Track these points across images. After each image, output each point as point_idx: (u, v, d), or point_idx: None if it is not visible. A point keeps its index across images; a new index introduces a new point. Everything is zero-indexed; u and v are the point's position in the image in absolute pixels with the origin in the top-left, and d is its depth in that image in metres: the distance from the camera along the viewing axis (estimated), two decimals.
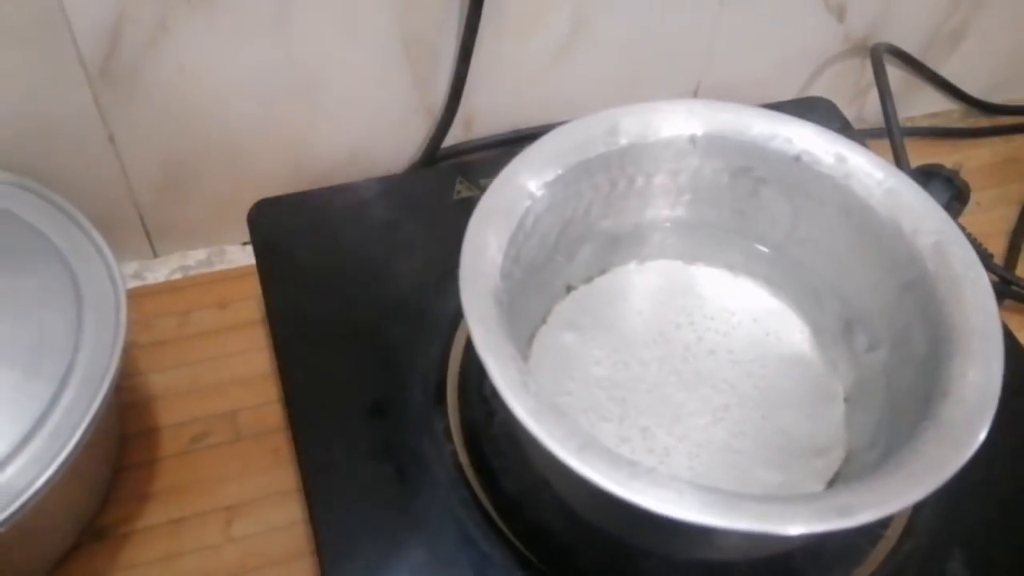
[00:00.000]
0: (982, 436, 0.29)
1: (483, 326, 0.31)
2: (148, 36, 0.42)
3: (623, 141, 0.39)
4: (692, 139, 0.39)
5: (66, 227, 0.41)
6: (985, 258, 0.54)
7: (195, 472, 0.44)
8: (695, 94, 0.56)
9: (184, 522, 0.43)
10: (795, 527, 0.28)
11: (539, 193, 0.36)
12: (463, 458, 0.38)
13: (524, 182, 0.35)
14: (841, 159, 0.38)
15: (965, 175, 0.57)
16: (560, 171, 0.37)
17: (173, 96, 0.45)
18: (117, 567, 0.41)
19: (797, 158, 0.38)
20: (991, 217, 0.59)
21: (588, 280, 0.43)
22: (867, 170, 0.37)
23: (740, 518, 0.28)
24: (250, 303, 0.50)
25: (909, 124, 0.65)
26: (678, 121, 0.39)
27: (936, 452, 0.29)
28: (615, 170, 0.39)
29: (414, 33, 0.46)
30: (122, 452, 0.44)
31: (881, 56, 0.54)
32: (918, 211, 0.36)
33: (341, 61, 0.46)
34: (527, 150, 0.36)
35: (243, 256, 0.52)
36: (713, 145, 0.39)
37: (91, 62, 0.42)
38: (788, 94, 0.58)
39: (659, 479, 0.29)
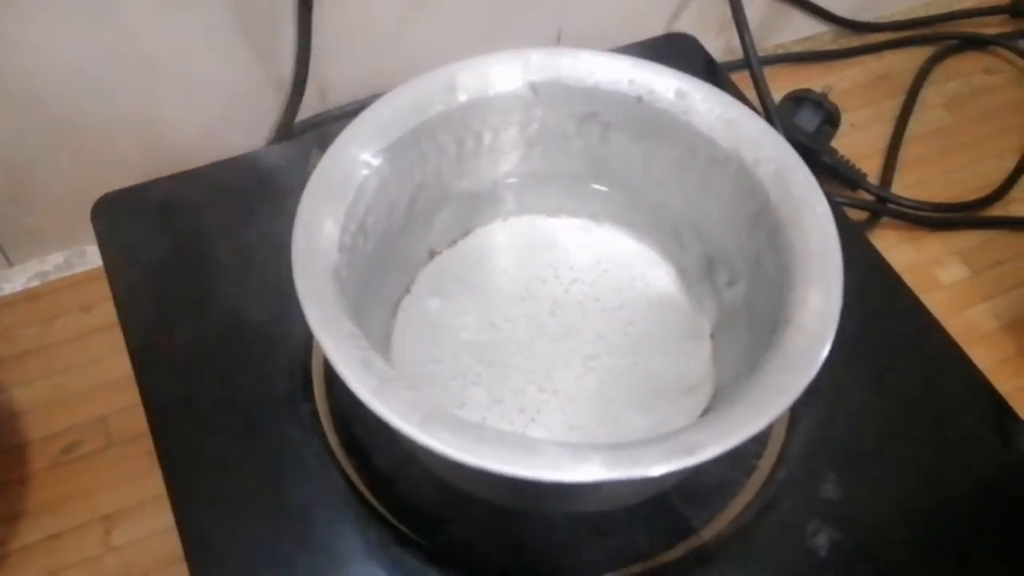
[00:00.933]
0: (820, 361, 0.29)
1: (317, 307, 0.30)
2: None
3: (462, 97, 0.37)
4: (533, 87, 0.38)
5: None
6: (858, 178, 0.55)
7: (69, 484, 0.43)
8: (557, 39, 0.55)
9: (61, 537, 0.41)
10: (645, 469, 0.27)
11: (376, 161, 0.35)
12: (332, 440, 0.37)
13: (356, 152, 0.34)
14: (681, 95, 0.37)
15: (836, 97, 0.57)
16: (397, 135, 0.36)
17: (2, 97, 0.42)
18: None
19: (639, 99, 0.38)
20: (866, 136, 0.60)
21: (452, 244, 0.42)
22: (707, 104, 0.37)
23: (589, 470, 0.27)
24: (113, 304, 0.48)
25: (782, 51, 0.64)
26: (516, 72, 0.38)
27: (777, 380, 0.29)
28: (459, 128, 0.38)
29: (247, 2, 0.44)
30: None
31: None
32: (757, 140, 0.35)
33: (174, 40, 0.44)
34: (358, 118, 0.35)
35: None
36: (555, 93, 0.38)
37: None
38: (653, 32, 0.57)
39: (507, 440, 0.28)
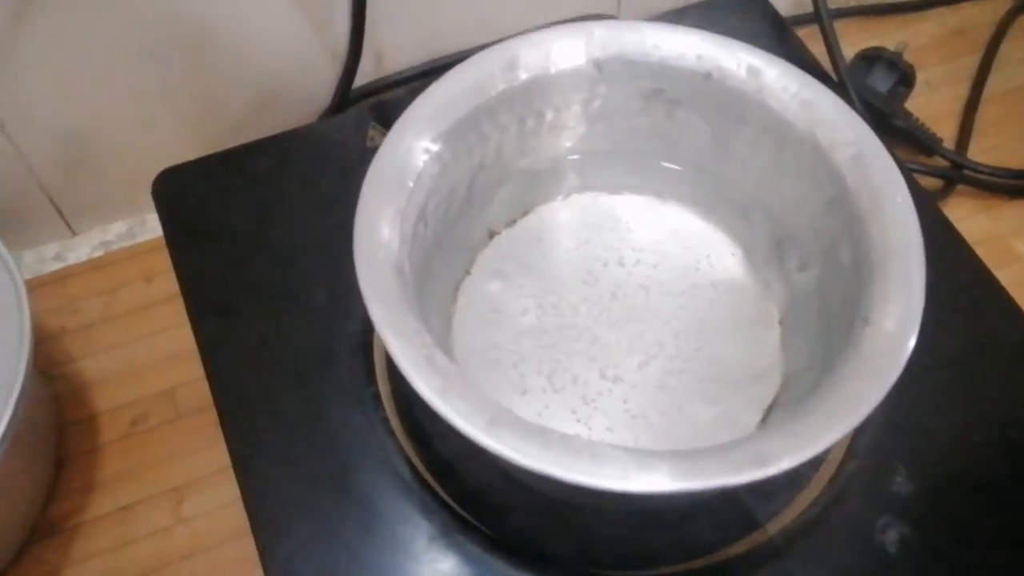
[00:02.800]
0: (900, 369, 0.28)
1: (381, 304, 0.30)
2: (13, 10, 0.39)
3: (524, 76, 0.36)
4: (596, 64, 0.36)
5: None
6: (933, 143, 0.52)
7: (139, 455, 0.44)
8: (618, 2, 0.53)
9: (133, 508, 0.42)
10: (712, 482, 0.27)
11: (435, 147, 0.34)
12: (394, 423, 0.37)
13: (414, 140, 0.33)
14: (754, 72, 0.35)
15: (910, 55, 0.54)
16: (457, 117, 0.35)
17: (55, 67, 0.42)
18: (70, 560, 0.41)
19: (708, 75, 0.36)
20: (942, 96, 0.57)
21: (511, 223, 0.41)
22: (781, 83, 0.35)
23: (656, 480, 0.27)
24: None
25: (854, 3, 0.61)
26: (579, 48, 0.36)
27: (854, 387, 0.28)
28: (520, 107, 0.37)
29: None
30: (63, 443, 0.44)
31: None
32: (835, 122, 0.34)
33: (229, 9, 0.43)
34: (415, 103, 0.34)
35: None
36: (619, 70, 0.37)
37: None
38: None
39: (572, 446, 0.28)
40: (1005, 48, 0.58)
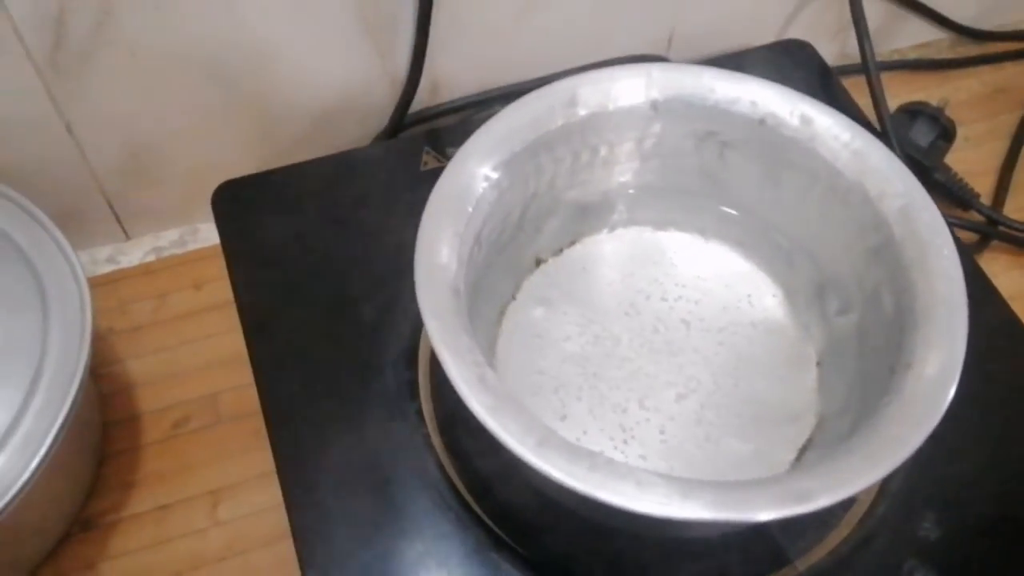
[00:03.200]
0: (941, 414, 0.29)
1: (439, 321, 0.31)
2: (93, 22, 0.41)
3: (582, 112, 0.37)
4: (653, 105, 0.38)
5: (27, 225, 0.41)
6: (971, 198, 0.53)
7: (179, 457, 0.45)
8: (669, 42, 0.54)
9: (170, 508, 0.43)
10: (754, 515, 0.28)
11: (495, 175, 0.35)
12: (435, 440, 0.38)
13: (476, 167, 0.35)
14: (807, 120, 0.37)
15: (952, 109, 0.55)
16: (517, 149, 0.36)
17: (127, 81, 0.44)
18: (107, 555, 0.42)
19: (762, 121, 0.37)
20: (980, 153, 0.58)
21: (558, 252, 0.42)
22: (833, 132, 0.36)
23: (697, 508, 0.28)
24: (225, 283, 0.49)
25: (897, 56, 0.63)
26: (638, 88, 0.38)
27: (895, 431, 0.29)
28: (577, 141, 0.38)
29: None
30: (105, 441, 0.45)
31: None
32: (884, 173, 0.35)
33: (295, 33, 0.45)
34: (479, 131, 0.36)
35: (216, 234, 0.51)
36: (675, 110, 0.38)
37: (39, 55, 0.41)
38: (767, 36, 0.56)
39: (618, 470, 0.29)
40: None
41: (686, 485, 0.28)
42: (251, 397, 0.46)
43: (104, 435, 0.45)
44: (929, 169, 0.53)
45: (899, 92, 0.58)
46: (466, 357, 0.31)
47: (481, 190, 0.35)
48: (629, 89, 0.38)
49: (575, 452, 0.29)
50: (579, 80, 0.37)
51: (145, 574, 0.42)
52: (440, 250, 0.33)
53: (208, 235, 0.52)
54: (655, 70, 0.38)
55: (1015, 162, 0.57)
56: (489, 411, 0.29)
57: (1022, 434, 0.39)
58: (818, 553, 0.36)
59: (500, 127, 0.36)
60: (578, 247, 0.42)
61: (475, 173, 0.35)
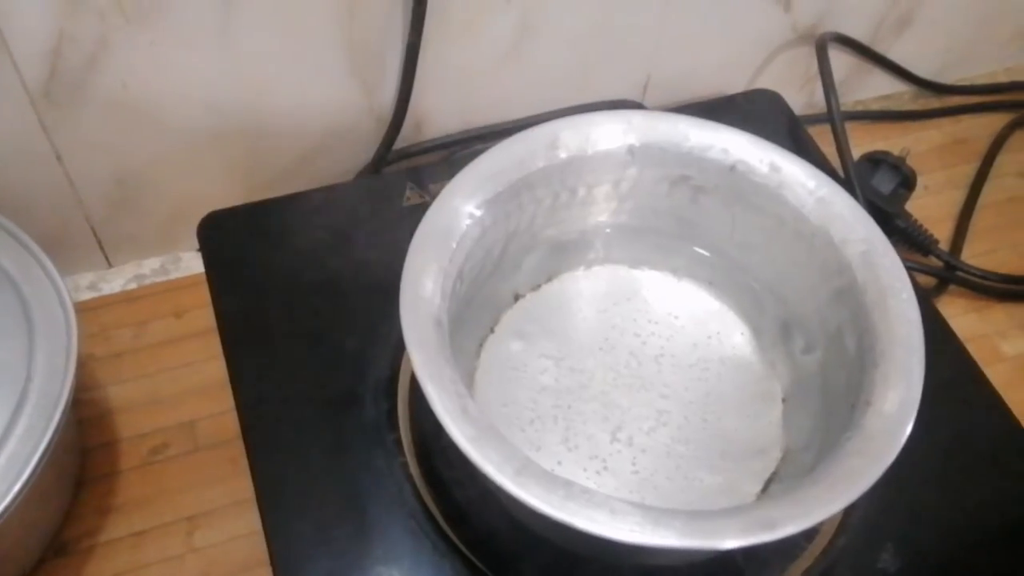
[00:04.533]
0: (899, 447, 0.30)
1: (423, 352, 0.32)
2: (89, 55, 0.42)
3: (563, 155, 0.39)
4: (630, 150, 0.40)
5: (14, 250, 0.42)
6: (930, 244, 0.56)
7: (156, 484, 0.45)
8: (645, 88, 0.56)
9: (146, 534, 0.44)
10: (722, 542, 0.29)
11: (479, 213, 0.37)
12: (413, 469, 0.39)
13: (460, 204, 0.36)
14: (775, 168, 0.39)
15: (913, 159, 0.58)
16: (500, 188, 0.38)
17: (119, 112, 0.45)
18: None
19: (732, 168, 0.39)
20: (939, 200, 0.60)
21: (535, 288, 0.43)
22: (800, 179, 0.38)
23: (668, 536, 0.29)
24: (206, 311, 0.49)
25: (860, 107, 0.65)
26: (616, 133, 0.39)
27: (856, 464, 0.30)
28: (556, 183, 0.40)
29: (358, 39, 0.46)
30: (83, 466, 0.45)
31: (826, 47, 0.54)
32: (848, 220, 0.37)
33: (286, 70, 0.46)
34: (465, 170, 0.37)
35: (198, 263, 0.53)
36: (651, 156, 0.40)
37: (34, 85, 0.42)
38: (738, 85, 0.59)
39: (593, 499, 0.30)
40: (1001, 159, 0.62)
41: (657, 513, 0.30)
42: (229, 425, 0.47)
43: (82, 460, 0.45)
44: (891, 215, 0.55)
45: (862, 141, 0.60)
46: (449, 388, 0.32)
47: (465, 227, 0.36)
48: (608, 134, 0.39)
49: (552, 481, 0.30)
50: (561, 124, 0.39)
51: None
52: (425, 283, 0.34)
53: (190, 264, 0.53)
54: (634, 117, 0.39)
55: (972, 210, 0.59)
56: (471, 441, 0.30)
57: (976, 471, 0.41)
58: None
59: (485, 167, 0.37)
60: (555, 283, 0.44)
61: (460, 210, 0.36)
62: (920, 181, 0.59)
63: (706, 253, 0.43)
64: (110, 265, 0.53)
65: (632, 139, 0.39)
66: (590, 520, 0.29)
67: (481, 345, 0.42)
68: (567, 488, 0.30)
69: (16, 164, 0.45)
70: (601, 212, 0.42)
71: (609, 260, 0.44)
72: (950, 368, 0.44)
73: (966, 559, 0.38)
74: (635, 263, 0.44)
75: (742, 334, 0.42)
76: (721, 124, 0.40)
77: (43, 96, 0.43)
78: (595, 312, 0.43)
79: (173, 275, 0.53)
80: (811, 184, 0.38)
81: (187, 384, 0.48)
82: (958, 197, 0.61)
